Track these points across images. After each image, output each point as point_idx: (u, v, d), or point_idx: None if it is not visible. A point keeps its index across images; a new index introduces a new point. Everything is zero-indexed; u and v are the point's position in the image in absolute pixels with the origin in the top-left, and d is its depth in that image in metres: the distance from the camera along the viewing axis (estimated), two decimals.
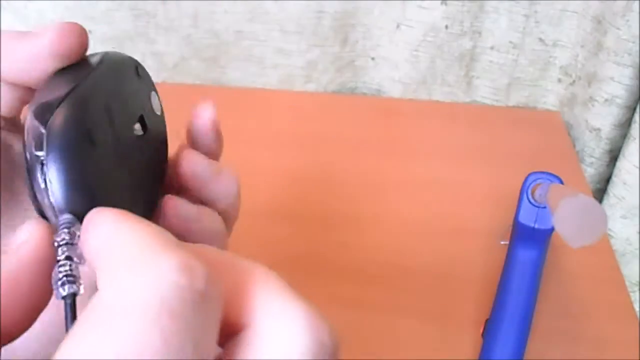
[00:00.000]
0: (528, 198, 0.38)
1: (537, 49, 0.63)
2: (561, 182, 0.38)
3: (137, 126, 0.23)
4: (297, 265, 0.48)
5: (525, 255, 0.39)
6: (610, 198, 0.57)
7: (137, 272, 0.13)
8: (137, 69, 0.24)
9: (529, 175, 0.39)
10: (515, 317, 0.38)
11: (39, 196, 0.18)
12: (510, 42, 0.63)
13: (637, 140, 0.53)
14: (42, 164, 0.18)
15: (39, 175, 0.18)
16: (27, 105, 0.20)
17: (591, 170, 0.62)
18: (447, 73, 0.66)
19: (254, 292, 0.15)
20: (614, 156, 0.60)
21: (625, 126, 0.58)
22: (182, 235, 0.23)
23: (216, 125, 0.25)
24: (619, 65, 0.55)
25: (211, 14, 0.67)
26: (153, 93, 0.25)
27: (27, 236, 0.16)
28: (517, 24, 0.61)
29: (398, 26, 0.64)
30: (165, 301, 0.13)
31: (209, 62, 0.71)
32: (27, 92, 0.21)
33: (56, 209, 0.18)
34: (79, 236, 0.17)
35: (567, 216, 0.29)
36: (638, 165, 0.53)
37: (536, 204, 0.38)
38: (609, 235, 0.57)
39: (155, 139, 0.24)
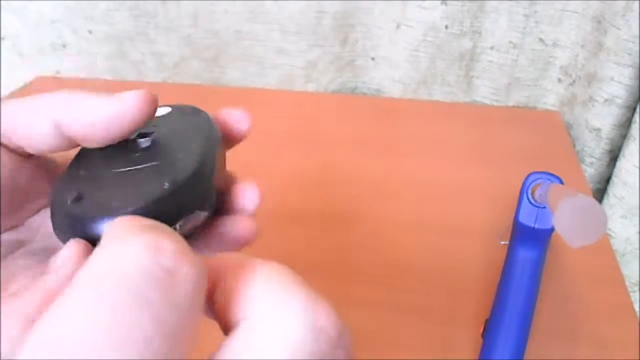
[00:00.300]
0: (528, 198, 0.38)
1: (537, 49, 0.63)
2: (561, 182, 0.38)
3: None
4: (297, 264, 0.48)
5: (525, 255, 0.39)
6: (610, 198, 0.57)
7: (105, 251, 0.14)
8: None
9: (529, 175, 0.39)
10: (515, 317, 0.38)
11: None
12: (510, 42, 0.63)
13: (637, 140, 0.53)
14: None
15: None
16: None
17: (591, 170, 0.62)
18: (447, 73, 0.66)
19: (252, 285, 0.15)
20: (614, 156, 0.60)
21: (625, 126, 0.58)
22: None
23: None
24: (619, 65, 0.55)
25: (211, 14, 0.67)
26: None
27: (68, 256, 0.17)
28: (517, 24, 0.61)
29: (398, 26, 0.64)
30: (123, 276, 0.13)
31: (209, 62, 0.71)
32: (70, 145, 0.21)
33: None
34: None
35: (567, 216, 0.29)
36: (638, 165, 0.53)
37: (536, 204, 0.38)
38: (609, 235, 0.57)
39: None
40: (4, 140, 0.20)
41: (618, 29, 0.53)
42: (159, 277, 0.13)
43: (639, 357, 0.40)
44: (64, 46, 0.73)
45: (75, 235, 0.18)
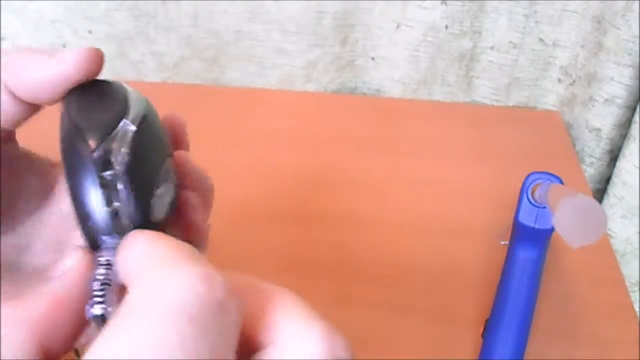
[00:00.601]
0: (528, 198, 0.38)
1: (537, 49, 0.63)
2: (561, 182, 0.38)
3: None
4: (297, 264, 0.48)
5: (525, 255, 0.39)
6: (610, 198, 0.57)
7: (162, 280, 0.14)
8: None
9: (529, 175, 0.39)
10: (515, 317, 0.38)
11: (95, 215, 0.19)
12: (510, 42, 0.63)
13: (637, 140, 0.53)
14: (109, 185, 0.19)
15: (101, 195, 0.19)
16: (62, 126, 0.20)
17: (591, 170, 0.62)
18: (447, 73, 0.66)
19: (275, 312, 0.16)
20: (614, 156, 0.60)
21: (625, 126, 0.58)
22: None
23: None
24: (619, 65, 0.55)
25: (211, 14, 0.67)
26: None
27: (73, 265, 0.18)
28: (517, 24, 0.61)
29: (398, 26, 0.64)
30: (185, 306, 0.14)
31: (209, 62, 0.71)
32: (31, 109, 0.21)
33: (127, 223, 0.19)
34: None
35: (567, 216, 0.29)
36: (638, 165, 0.53)
37: (536, 204, 0.38)
38: (609, 235, 0.57)
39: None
40: None
41: (618, 29, 0.53)
42: (213, 308, 0.14)
43: (639, 357, 0.40)
44: (64, 46, 0.73)
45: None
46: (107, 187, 0.19)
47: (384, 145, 0.61)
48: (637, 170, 0.53)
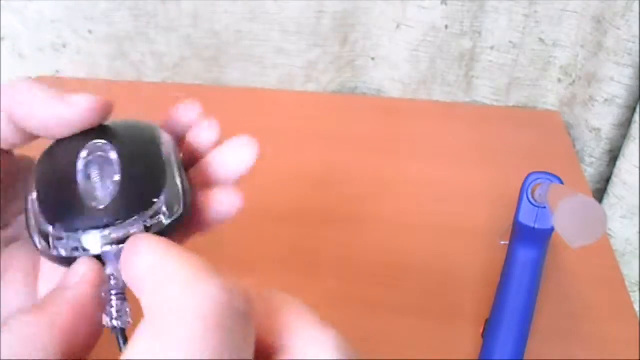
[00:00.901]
0: (528, 198, 0.38)
1: (537, 49, 0.63)
2: (561, 182, 0.38)
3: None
4: (297, 264, 0.48)
5: (525, 255, 0.39)
6: (610, 198, 0.57)
7: (189, 291, 0.15)
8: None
9: (529, 175, 0.39)
10: (515, 317, 0.38)
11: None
12: (510, 42, 0.63)
13: (637, 140, 0.53)
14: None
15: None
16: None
17: (591, 170, 0.62)
18: (447, 73, 0.66)
19: (289, 319, 0.17)
20: (614, 156, 0.60)
21: (625, 126, 0.58)
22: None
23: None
24: (619, 65, 0.55)
25: (211, 14, 0.67)
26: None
27: (84, 274, 0.19)
28: (517, 24, 0.61)
29: (398, 26, 0.64)
30: (213, 316, 0.15)
31: (209, 62, 0.71)
32: (32, 138, 0.22)
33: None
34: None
35: (567, 216, 0.29)
36: (638, 165, 0.53)
37: (536, 204, 0.38)
38: (609, 235, 0.57)
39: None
40: None
41: (618, 29, 0.53)
42: (237, 317, 0.15)
43: (639, 357, 0.40)
44: (64, 46, 0.73)
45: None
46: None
47: (384, 145, 0.61)
48: (637, 170, 0.53)
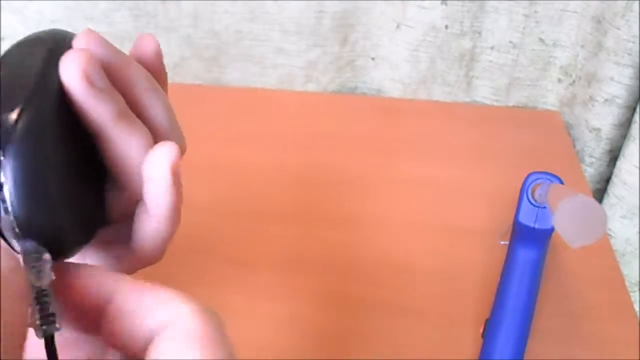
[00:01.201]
0: (528, 198, 0.38)
1: (537, 49, 0.63)
2: (561, 182, 0.38)
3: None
4: (297, 264, 0.48)
5: (525, 255, 0.39)
6: (610, 198, 0.57)
7: (178, 314, 0.17)
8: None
9: (529, 175, 0.39)
10: (515, 317, 0.38)
11: None
12: (510, 42, 0.63)
13: (637, 140, 0.53)
14: None
15: None
16: None
17: (591, 170, 0.62)
18: (447, 73, 0.66)
19: (147, 305, 0.19)
20: (614, 156, 0.60)
21: (625, 126, 0.58)
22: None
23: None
24: (619, 65, 0.55)
25: (211, 14, 0.67)
26: None
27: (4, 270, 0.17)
28: (517, 24, 0.61)
29: (398, 26, 0.64)
30: (209, 332, 0.17)
31: (209, 62, 0.71)
32: None
33: (17, 228, 0.17)
34: (50, 267, 0.17)
35: (567, 216, 0.29)
36: (638, 165, 0.53)
37: (536, 204, 0.38)
38: (609, 235, 0.57)
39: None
40: None
41: (618, 29, 0.53)
42: (221, 327, 0.18)
43: (639, 357, 0.40)
44: None
45: None
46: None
47: (384, 145, 0.61)
48: (637, 170, 0.53)
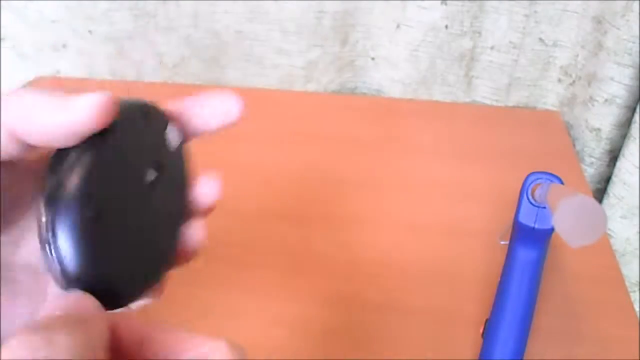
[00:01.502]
0: (528, 198, 0.38)
1: (537, 49, 0.63)
2: (561, 182, 0.38)
3: (151, 172, 0.23)
4: (296, 264, 0.48)
5: (525, 255, 0.39)
6: (610, 198, 0.57)
7: (226, 342, 0.19)
8: (144, 111, 0.23)
9: (529, 175, 0.39)
10: (515, 317, 0.38)
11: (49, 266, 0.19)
12: (510, 42, 0.63)
13: (637, 140, 0.53)
14: (49, 244, 0.19)
15: (48, 252, 0.19)
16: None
17: (591, 170, 0.62)
18: (447, 73, 0.66)
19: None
20: (614, 156, 0.60)
21: (625, 126, 0.58)
22: None
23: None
24: (619, 65, 0.55)
25: (211, 14, 0.67)
26: (168, 127, 0.24)
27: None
28: (517, 24, 0.61)
29: (398, 26, 0.64)
30: (245, 355, 0.19)
31: (209, 62, 0.71)
32: (33, 148, 0.21)
33: (65, 283, 0.19)
34: None
35: (567, 216, 0.29)
36: (638, 165, 0.53)
37: (536, 204, 0.38)
38: (609, 235, 0.57)
39: (174, 175, 0.24)
40: None
41: (618, 29, 0.54)
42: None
43: (639, 357, 0.40)
44: (64, 46, 0.73)
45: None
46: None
47: (384, 145, 0.61)
48: (637, 170, 0.53)
